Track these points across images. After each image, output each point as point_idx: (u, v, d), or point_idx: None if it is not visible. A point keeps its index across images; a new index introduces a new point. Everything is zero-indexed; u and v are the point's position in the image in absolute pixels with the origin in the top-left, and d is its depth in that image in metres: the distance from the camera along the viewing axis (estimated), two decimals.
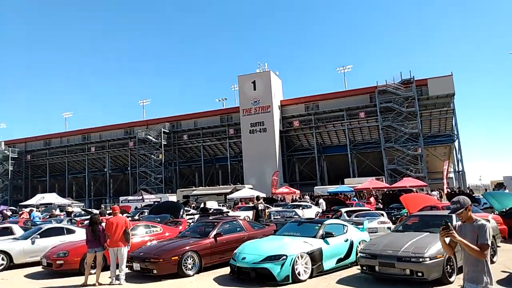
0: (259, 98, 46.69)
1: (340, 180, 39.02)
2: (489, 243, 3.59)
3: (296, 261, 8.16)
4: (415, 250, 7.39)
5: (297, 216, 16.35)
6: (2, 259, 11.12)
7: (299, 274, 8.15)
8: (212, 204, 25.93)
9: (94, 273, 8.85)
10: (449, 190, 29.66)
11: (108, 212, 17.14)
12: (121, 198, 39.00)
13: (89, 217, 11.25)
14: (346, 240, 9.50)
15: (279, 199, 33.96)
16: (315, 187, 38.59)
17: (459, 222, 3.89)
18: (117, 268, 8.86)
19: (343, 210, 15.68)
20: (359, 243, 9.66)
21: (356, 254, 9.13)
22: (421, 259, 7.18)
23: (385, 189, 30.11)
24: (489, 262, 3.64)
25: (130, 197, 37.87)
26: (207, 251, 9.62)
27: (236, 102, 51.82)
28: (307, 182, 47.70)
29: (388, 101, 42.64)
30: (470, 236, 3.66)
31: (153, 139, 51.20)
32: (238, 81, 49.29)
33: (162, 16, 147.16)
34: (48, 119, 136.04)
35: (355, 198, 28.52)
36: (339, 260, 9.13)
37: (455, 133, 43.64)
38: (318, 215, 20.40)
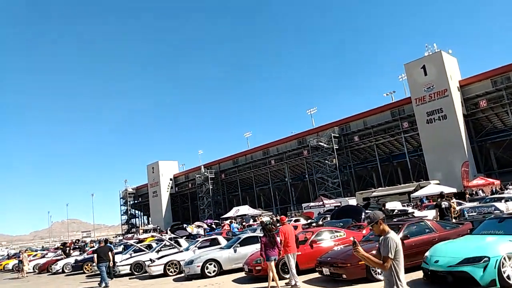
0: (432, 83, 42.43)
1: None
2: (390, 255, 3.76)
3: (503, 263, 7.09)
4: None
5: (498, 212, 14.06)
6: (214, 266, 13.10)
7: (508, 278, 7.05)
8: (395, 205, 24.70)
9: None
10: None
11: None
12: (304, 205, 40.85)
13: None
14: None
15: (474, 192, 29.95)
16: None
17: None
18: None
19: None
20: None
21: None
22: None
23: None
24: (399, 272, 3.81)
25: (311, 204, 39.27)
26: None
27: (406, 93, 48.39)
28: (508, 170, 40.60)
29: None
30: (382, 249, 3.88)
31: (325, 145, 52.12)
32: (405, 70, 45.97)
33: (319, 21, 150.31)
34: (234, 140, 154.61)
35: None
36: None
37: None
38: None
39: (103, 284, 13.84)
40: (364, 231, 13.16)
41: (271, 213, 51.44)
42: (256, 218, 38.09)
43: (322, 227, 14.42)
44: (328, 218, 19.93)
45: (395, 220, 12.63)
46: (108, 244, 15.73)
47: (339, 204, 33.11)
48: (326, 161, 52.44)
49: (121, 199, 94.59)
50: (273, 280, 9.38)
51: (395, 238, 3.86)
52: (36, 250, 46.50)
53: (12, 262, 31.02)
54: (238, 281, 11.67)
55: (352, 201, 34.92)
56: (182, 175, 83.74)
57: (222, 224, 33.65)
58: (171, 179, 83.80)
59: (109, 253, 14.70)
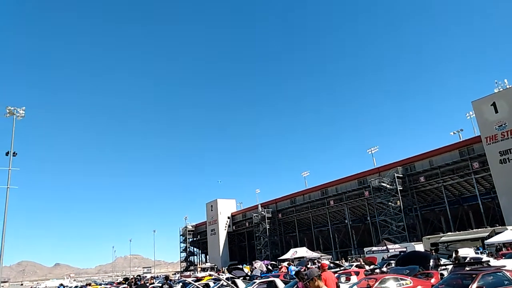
0: (504, 121, 39.70)
1: None
2: None
3: None
4: None
5: None
6: None
7: None
8: (467, 252, 22.72)
9: None
10: None
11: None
12: (366, 249, 38.89)
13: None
14: None
15: None
16: None
17: None
18: None
19: None
20: None
21: None
22: None
23: None
24: None
25: (374, 248, 37.26)
26: None
27: (475, 131, 45.68)
28: None
29: None
30: None
31: (388, 186, 49.96)
32: (473, 107, 43.61)
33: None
34: (291, 179, 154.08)
35: None
36: None
37: None
38: None
39: None
40: (433, 280, 12.23)
41: (330, 256, 49.53)
42: (315, 261, 36.85)
43: (386, 274, 13.59)
44: (393, 264, 18.80)
45: (468, 269, 11.56)
46: (169, 281, 15.98)
47: (405, 249, 31.14)
48: (390, 203, 49.99)
49: (181, 236, 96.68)
50: None
51: None
52: (100, 284, 48.45)
53: None
54: None
55: (419, 247, 32.67)
56: (240, 213, 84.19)
57: (280, 266, 32.89)
58: (228, 218, 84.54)
59: None
